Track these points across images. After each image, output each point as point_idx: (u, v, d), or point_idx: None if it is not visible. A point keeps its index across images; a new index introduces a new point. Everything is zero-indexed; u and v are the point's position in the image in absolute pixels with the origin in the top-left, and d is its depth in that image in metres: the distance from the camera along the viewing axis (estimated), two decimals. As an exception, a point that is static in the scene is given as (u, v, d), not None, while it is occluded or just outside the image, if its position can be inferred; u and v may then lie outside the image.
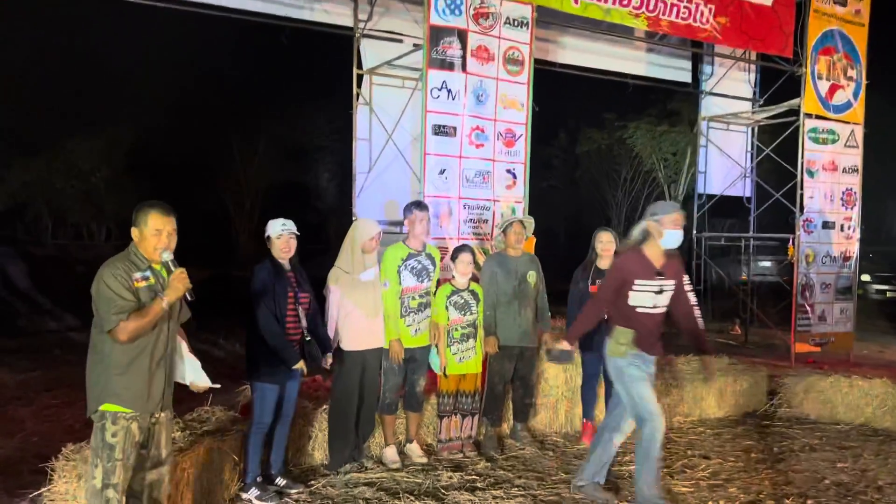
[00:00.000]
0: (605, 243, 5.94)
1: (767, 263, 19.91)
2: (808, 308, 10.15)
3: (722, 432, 6.51)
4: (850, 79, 10.37)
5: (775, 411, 7.16)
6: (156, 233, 3.38)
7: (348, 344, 5.08)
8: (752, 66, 11.93)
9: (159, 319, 3.36)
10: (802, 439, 6.32)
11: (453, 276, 5.61)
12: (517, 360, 5.77)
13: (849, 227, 10.56)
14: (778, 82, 11.55)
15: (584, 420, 6.12)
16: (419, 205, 5.47)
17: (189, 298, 3.50)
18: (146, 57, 25.52)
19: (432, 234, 7.34)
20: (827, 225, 10.32)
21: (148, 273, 3.40)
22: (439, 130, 7.44)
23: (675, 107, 25.84)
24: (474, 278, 5.72)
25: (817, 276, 10.25)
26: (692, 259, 12.33)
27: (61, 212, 26.00)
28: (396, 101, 9.11)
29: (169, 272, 3.42)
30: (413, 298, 5.33)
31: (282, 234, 4.62)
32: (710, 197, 11.93)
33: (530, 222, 5.92)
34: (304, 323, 4.69)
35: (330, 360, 4.89)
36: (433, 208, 7.41)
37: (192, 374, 3.72)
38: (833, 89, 10.22)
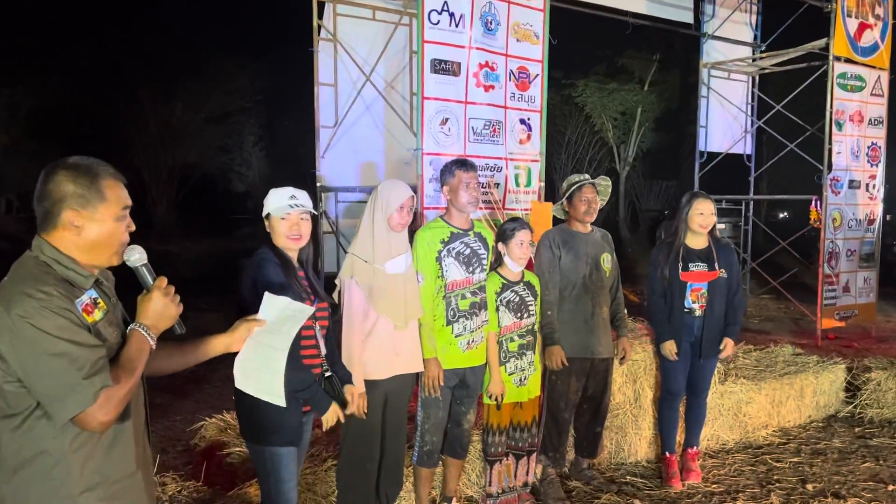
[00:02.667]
0: (706, 215, 4.34)
1: (721, 226, 19.00)
2: (833, 279, 8.96)
3: (820, 448, 5.13)
4: (878, 17, 9.10)
5: (862, 413, 5.84)
6: (123, 214, 1.85)
7: (367, 370, 3.36)
8: (754, 7, 10.58)
9: None
10: (925, 455, 5.01)
11: (500, 264, 3.95)
12: (588, 377, 4.19)
13: (873, 187, 9.39)
14: (786, 23, 10.27)
15: (666, 454, 4.57)
16: (463, 164, 3.74)
17: (179, 331, 1.91)
18: (48, 9, 22.50)
19: (434, 203, 5.67)
20: (853, 184, 9.12)
21: (94, 293, 1.79)
22: (440, 67, 5.69)
23: (625, 63, 24.68)
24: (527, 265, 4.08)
25: (843, 242, 9.06)
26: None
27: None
28: (367, 37, 7.28)
29: (144, 287, 1.87)
30: (463, 297, 3.63)
31: (289, 211, 2.85)
32: (713, 155, 10.53)
33: (606, 185, 4.27)
34: (323, 350, 2.96)
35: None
36: (433, 170, 5.72)
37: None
38: (861, 28, 8.93)
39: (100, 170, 1.82)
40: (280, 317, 2.28)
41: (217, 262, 16.21)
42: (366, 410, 3.29)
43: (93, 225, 1.78)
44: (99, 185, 1.79)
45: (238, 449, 3.86)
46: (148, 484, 1.92)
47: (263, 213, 2.90)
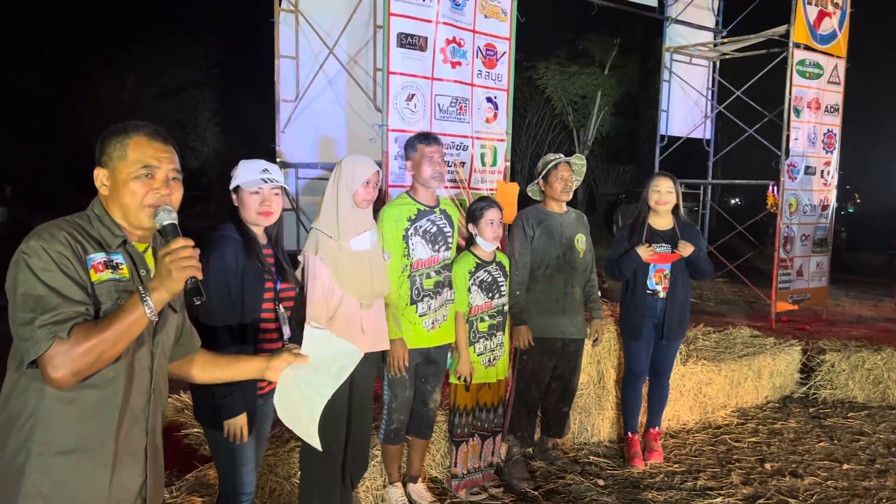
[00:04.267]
0: (662, 192, 4.34)
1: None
2: (788, 263, 9.12)
3: (777, 429, 5.22)
4: (837, 5, 9.22)
5: (816, 394, 5.96)
6: (142, 173, 1.79)
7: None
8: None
9: (135, 339, 1.71)
10: (877, 434, 5.12)
11: (473, 244, 3.89)
12: (558, 357, 4.16)
13: (827, 174, 9.57)
14: (748, 8, 10.36)
15: (629, 434, 4.59)
16: (426, 137, 3.65)
17: (194, 297, 1.70)
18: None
19: (399, 180, 5.57)
20: (809, 170, 9.27)
21: (119, 256, 1.76)
22: (406, 42, 5.57)
23: (586, 46, 24.71)
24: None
25: (798, 227, 9.23)
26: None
27: None
28: (330, 8, 7.08)
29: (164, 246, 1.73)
30: (428, 276, 3.56)
31: (262, 186, 2.72)
32: (673, 140, 10.59)
33: (581, 164, 4.22)
34: (286, 332, 2.84)
35: None
36: (398, 147, 5.60)
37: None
38: (821, 16, 9.05)
39: (130, 130, 1.81)
40: (325, 354, 2.09)
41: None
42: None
43: (113, 184, 1.79)
44: (124, 144, 1.79)
45: (196, 430, 3.74)
46: (125, 465, 1.76)
47: (231, 186, 2.77)
